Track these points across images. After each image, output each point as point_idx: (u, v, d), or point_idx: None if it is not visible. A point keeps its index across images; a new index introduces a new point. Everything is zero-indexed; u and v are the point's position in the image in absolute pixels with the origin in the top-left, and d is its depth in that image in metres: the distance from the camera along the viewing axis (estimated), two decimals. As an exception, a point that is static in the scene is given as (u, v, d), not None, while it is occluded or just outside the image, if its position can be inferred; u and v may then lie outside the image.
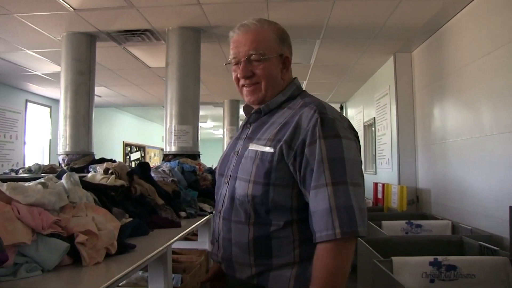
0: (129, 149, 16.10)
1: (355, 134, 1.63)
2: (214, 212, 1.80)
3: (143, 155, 17.53)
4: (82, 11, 5.23)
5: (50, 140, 11.22)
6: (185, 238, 5.56)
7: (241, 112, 9.79)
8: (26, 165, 5.95)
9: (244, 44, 1.68)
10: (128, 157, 15.91)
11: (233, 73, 1.75)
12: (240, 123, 2.12)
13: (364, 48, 6.91)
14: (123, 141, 15.59)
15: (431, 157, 6.27)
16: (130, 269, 1.95)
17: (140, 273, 3.72)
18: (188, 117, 5.91)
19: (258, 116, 1.75)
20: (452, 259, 3.33)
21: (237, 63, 1.71)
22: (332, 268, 1.40)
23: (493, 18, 4.53)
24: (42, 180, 2.09)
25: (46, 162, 10.38)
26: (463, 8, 5.16)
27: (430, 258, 3.34)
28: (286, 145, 1.52)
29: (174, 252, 4.84)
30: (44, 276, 1.72)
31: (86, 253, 1.86)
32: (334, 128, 1.51)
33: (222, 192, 1.70)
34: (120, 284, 3.55)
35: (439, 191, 6.01)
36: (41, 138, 11.21)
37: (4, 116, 9.63)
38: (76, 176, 2.26)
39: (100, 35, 6.10)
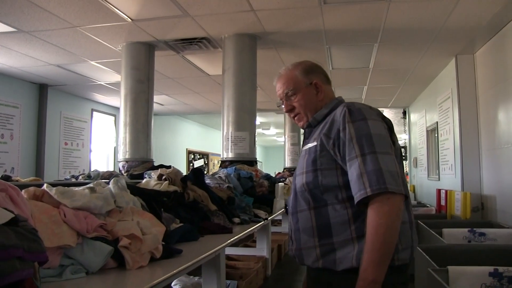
0: (192, 156, 16.33)
1: (385, 120, 1.95)
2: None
3: (206, 162, 17.73)
4: (140, 21, 5.39)
5: (114, 147, 11.58)
6: (244, 245, 5.61)
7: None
8: (92, 172, 6.14)
9: (280, 87, 2.17)
10: (191, 164, 16.14)
11: None
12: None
13: (424, 51, 6.73)
14: (187, 149, 15.85)
15: (497, 162, 6.00)
16: (173, 272, 1.96)
17: (196, 278, 3.76)
18: (244, 123, 5.93)
19: (310, 130, 2.12)
20: (509, 269, 3.13)
21: (282, 104, 2.18)
22: (375, 225, 1.65)
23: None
24: (91, 185, 2.15)
25: (111, 169, 10.70)
26: (529, 3, 4.86)
27: (490, 269, 3.14)
28: (325, 136, 1.87)
29: (231, 259, 4.86)
30: (88, 278, 1.76)
31: (130, 257, 1.89)
32: (361, 113, 1.84)
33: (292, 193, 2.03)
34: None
35: (505, 198, 5.72)
36: (106, 146, 11.63)
37: (72, 125, 10.09)
38: (123, 181, 2.31)
39: (158, 44, 6.25)
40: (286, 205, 6.22)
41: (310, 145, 1.95)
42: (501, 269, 3.14)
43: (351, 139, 1.77)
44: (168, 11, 5.06)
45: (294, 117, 2.16)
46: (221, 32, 5.85)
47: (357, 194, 1.69)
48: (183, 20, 5.33)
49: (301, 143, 2.26)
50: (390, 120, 1.99)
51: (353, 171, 1.74)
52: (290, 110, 2.13)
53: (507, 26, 5.56)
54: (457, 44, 6.40)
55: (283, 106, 2.20)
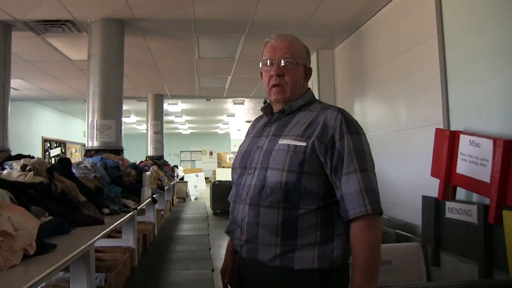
0: (48, 145, 15.54)
1: None
2: (233, 201, 1.97)
3: (63, 151, 16.98)
4: (-5, -4, 4.90)
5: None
6: (109, 235, 5.44)
7: (165, 106, 9.58)
8: None
9: (281, 48, 1.92)
10: (47, 153, 15.35)
11: (264, 73, 1.97)
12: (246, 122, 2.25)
13: (289, 44, 6.97)
14: (42, 137, 15.02)
15: (353, 152, 6.42)
16: (49, 270, 1.87)
17: (61, 273, 3.59)
18: (111, 111, 5.74)
19: (280, 116, 1.97)
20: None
21: (270, 64, 1.93)
22: (369, 241, 1.68)
23: (409, 18, 4.75)
24: (-49, 178, 1.96)
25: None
26: (382, 8, 5.35)
27: (350, 247, 3.45)
28: (318, 140, 1.77)
29: (97, 250, 4.71)
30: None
31: (1, 256, 1.75)
32: (355, 126, 1.82)
33: (246, 182, 1.90)
34: (39, 287, 3.43)
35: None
36: None
37: None
38: (-10, 173, 2.13)
39: (16, 24, 5.74)
40: (153, 194, 6.17)
41: (293, 142, 1.82)
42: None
43: (349, 152, 1.76)
44: (29, -12, 4.68)
45: (274, 86, 1.94)
46: (88, 16, 5.57)
47: (356, 210, 1.69)
48: (47, 0, 4.97)
49: (260, 128, 2.05)
50: None
51: (351, 185, 1.73)
52: (280, 75, 1.91)
53: (363, 26, 6.03)
54: (319, 39, 6.75)
55: (270, 65, 1.94)
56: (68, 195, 3.29)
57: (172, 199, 11.93)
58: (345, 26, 6.09)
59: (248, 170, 1.92)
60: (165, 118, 14.21)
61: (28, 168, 3.18)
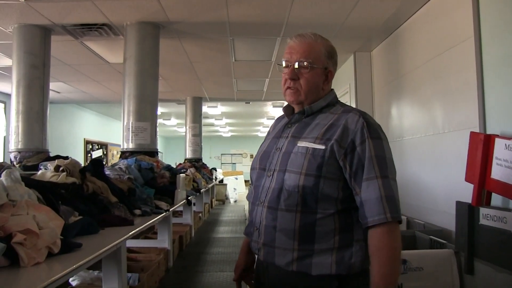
0: (90, 146, 15.83)
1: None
2: (252, 203, 1.96)
3: (105, 152, 17.26)
4: (34, 2, 4.98)
5: (4, 137, 10.79)
6: (145, 236, 5.53)
7: (205, 109, 9.58)
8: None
9: (297, 51, 1.88)
10: (89, 155, 15.63)
11: (283, 75, 1.94)
12: (269, 123, 2.26)
13: (325, 46, 6.92)
14: (85, 139, 15.32)
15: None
16: (72, 268, 1.88)
17: (95, 273, 3.66)
18: (146, 113, 5.79)
19: (300, 117, 1.95)
20: (403, 253, 3.35)
21: (287, 66, 1.91)
22: (390, 247, 1.67)
23: (445, 19, 4.64)
24: (-21, 177, 2.01)
25: (0, 160, 10.06)
26: (418, 9, 5.25)
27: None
28: (337, 144, 1.74)
29: (132, 251, 4.78)
30: (-25, 280, 1.64)
31: (25, 253, 1.78)
32: (377, 131, 1.78)
33: (265, 184, 1.87)
34: (74, 285, 3.49)
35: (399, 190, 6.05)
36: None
37: (-46, 111, 9.27)
38: (17, 173, 2.17)
39: (55, 28, 5.87)
40: (188, 196, 6.20)
41: (312, 145, 1.79)
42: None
43: (371, 157, 1.72)
44: (66, -6, 4.77)
45: (288, 88, 1.92)
46: (123, 19, 5.64)
47: (376, 217, 1.67)
48: (83, 4, 5.05)
49: (280, 128, 2.04)
50: None
51: (371, 191, 1.69)
52: (294, 79, 1.89)
53: (400, 28, 5.92)
54: (356, 41, 6.67)
55: (286, 67, 1.92)
56: (99, 196, 3.34)
57: (211, 202, 11.98)
58: (382, 28, 5.99)
59: (267, 172, 1.89)
60: (206, 121, 14.27)
61: (61, 169, 3.23)
